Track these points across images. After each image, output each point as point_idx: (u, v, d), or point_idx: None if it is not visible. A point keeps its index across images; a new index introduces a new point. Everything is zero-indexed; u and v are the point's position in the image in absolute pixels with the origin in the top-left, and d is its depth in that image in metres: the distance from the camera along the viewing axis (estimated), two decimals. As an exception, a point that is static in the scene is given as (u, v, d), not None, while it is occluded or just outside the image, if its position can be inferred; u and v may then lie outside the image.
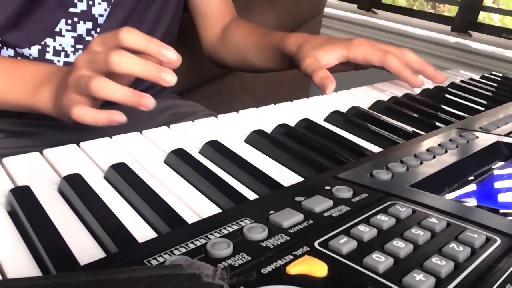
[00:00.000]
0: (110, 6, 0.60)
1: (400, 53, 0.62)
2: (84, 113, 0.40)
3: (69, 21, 0.59)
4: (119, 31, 0.41)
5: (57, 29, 0.58)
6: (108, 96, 0.40)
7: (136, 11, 0.64)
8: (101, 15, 0.60)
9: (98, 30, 0.61)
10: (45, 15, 0.58)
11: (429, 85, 0.66)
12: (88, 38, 0.61)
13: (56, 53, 0.59)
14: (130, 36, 0.41)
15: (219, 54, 0.79)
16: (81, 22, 0.59)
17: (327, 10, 1.47)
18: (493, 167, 0.40)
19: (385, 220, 0.27)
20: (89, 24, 0.60)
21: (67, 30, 0.59)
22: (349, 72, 0.69)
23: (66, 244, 0.26)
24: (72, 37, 0.59)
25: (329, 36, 0.67)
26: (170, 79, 0.41)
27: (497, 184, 0.37)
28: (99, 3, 0.59)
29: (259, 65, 0.75)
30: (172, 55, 0.42)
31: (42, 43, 0.58)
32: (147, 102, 0.40)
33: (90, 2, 0.59)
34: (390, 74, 0.65)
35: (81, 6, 0.58)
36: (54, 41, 0.59)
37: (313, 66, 0.58)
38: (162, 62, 0.41)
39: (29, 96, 0.47)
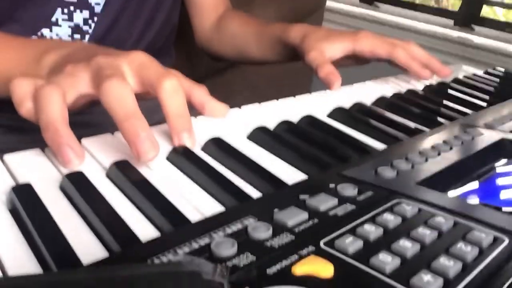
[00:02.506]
0: None
1: (407, 46, 0.62)
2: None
3: (66, 10, 0.58)
4: (163, 79, 0.36)
5: (53, 19, 0.58)
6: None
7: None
8: (97, 4, 0.59)
9: (95, 19, 0.60)
10: (41, 5, 0.57)
11: (432, 80, 0.65)
12: (85, 27, 0.60)
13: None
14: (171, 98, 0.36)
15: (214, 45, 0.78)
16: (78, 11, 0.59)
17: (328, 3, 1.46)
18: (498, 164, 0.39)
19: (391, 219, 0.27)
20: (86, 13, 0.59)
21: (63, 20, 0.58)
22: (351, 67, 0.68)
23: (68, 242, 0.26)
24: (69, 26, 0.59)
25: (333, 28, 0.66)
26: (146, 155, 0.33)
27: (501, 182, 0.37)
28: None
29: (258, 56, 0.73)
30: (191, 142, 0.37)
31: (39, 33, 0.57)
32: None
33: None
34: (391, 70, 0.65)
35: None
36: (51, 31, 0.58)
37: (318, 60, 0.57)
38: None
39: (32, 64, 0.42)
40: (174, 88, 0.36)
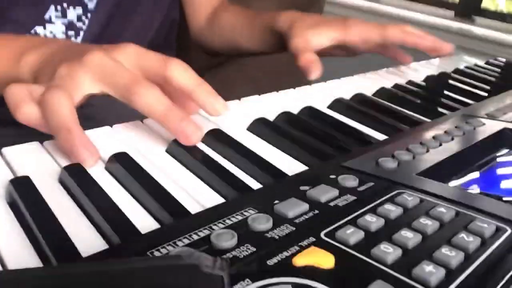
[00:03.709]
0: None
1: (400, 26, 0.59)
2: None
3: (59, 8, 0.57)
4: (170, 61, 0.36)
5: (46, 17, 0.57)
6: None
7: None
8: (90, 0, 0.59)
9: (89, 15, 0.59)
10: (34, 2, 0.56)
11: (433, 71, 0.65)
12: (79, 24, 0.59)
13: None
14: (182, 74, 0.36)
15: (207, 39, 0.76)
16: (71, 8, 0.58)
17: (329, -5, 1.45)
18: (499, 154, 0.39)
19: (392, 210, 0.26)
20: (79, 10, 0.59)
21: (57, 17, 0.57)
22: (350, 58, 0.67)
23: (67, 235, 0.26)
24: (63, 23, 0.58)
25: (323, 17, 0.63)
26: (193, 138, 0.35)
27: (501, 171, 0.37)
28: None
29: (248, 47, 0.72)
30: (220, 107, 0.37)
31: (32, 31, 0.57)
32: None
33: None
34: (387, 62, 0.64)
35: None
36: (45, 28, 0.57)
37: (300, 48, 0.55)
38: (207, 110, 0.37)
39: (11, 62, 0.42)
40: (182, 65, 0.37)
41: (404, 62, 0.64)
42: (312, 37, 0.56)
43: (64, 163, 0.33)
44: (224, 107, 0.37)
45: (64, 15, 0.58)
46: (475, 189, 0.33)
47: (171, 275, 0.19)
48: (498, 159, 0.38)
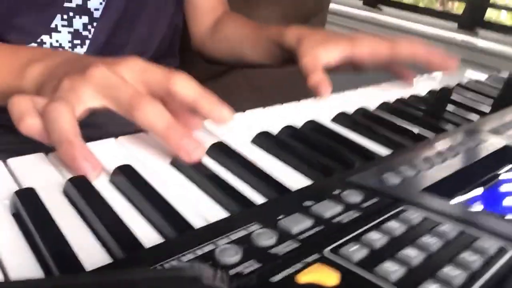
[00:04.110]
0: None
1: (409, 40, 0.58)
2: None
3: (65, 16, 0.58)
4: (173, 74, 0.37)
5: (52, 25, 0.57)
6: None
7: (134, 2, 0.63)
8: (96, 9, 0.59)
9: (95, 24, 0.60)
10: (40, 11, 0.57)
11: (436, 85, 0.65)
12: (85, 33, 0.60)
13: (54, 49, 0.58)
14: (185, 87, 0.36)
15: (209, 48, 0.76)
16: (77, 16, 0.58)
17: (332, 6, 1.46)
18: (502, 171, 0.39)
19: (396, 227, 0.26)
20: (85, 19, 0.59)
21: (63, 26, 0.58)
22: (351, 74, 0.66)
23: (71, 248, 0.26)
24: (69, 32, 0.58)
25: (333, 31, 0.63)
26: (194, 155, 0.35)
27: (505, 188, 0.37)
28: None
29: (253, 59, 0.71)
30: (225, 115, 0.37)
31: (38, 40, 0.57)
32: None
33: None
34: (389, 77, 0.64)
35: (76, 1, 0.57)
36: (51, 37, 0.58)
37: (309, 67, 0.54)
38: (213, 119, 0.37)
39: (15, 74, 0.42)
40: (185, 78, 0.37)
41: (409, 81, 0.63)
42: (321, 55, 0.55)
43: (69, 174, 0.33)
44: (229, 115, 0.37)
45: (70, 24, 0.58)
46: (478, 206, 0.33)
47: (172, 287, 0.19)
48: (502, 176, 0.38)
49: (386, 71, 0.62)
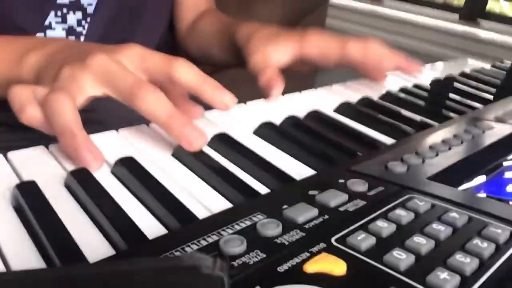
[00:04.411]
0: None
1: (362, 40, 0.53)
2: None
3: (59, 13, 0.57)
4: (175, 60, 0.36)
5: (46, 23, 0.56)
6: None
7: None
8: (90, 4, 0.58)
9: (89, 19, 0.59)
10: (34, 9, 0.56)
11: (439, 74, 0.65)
12: (79, 29, 0.59)
13: None
14: (187, 72, 0.36)
15: (186, 45, 0.74)
16: (71, 12, 0.57)
17: (332, -1, 1.45)
18: (508, 158, 0.39)
19: (403, 215, 0.26)
20: (79, 14, 0.58)
21: (57, 23, 0.57)
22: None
23: (73, 240, 0.25)
24: (63, 29, 0.58)
25: (283, 28, 0.56)
26: (196, 144, 0.35)
27: (509, 175, 0.36)
28: None
29: (220, 59, 0.68)
30: (228, 100, 0.37)
31: None
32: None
33: None
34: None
35: None
36: (45, 35, 0.57)
37: (260, 65, 0.50)
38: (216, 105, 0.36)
39: (12, 63, 0.41)
40: (187, 64, 0.36)
41: (379, 80, 0.57)
42: (271, 53, 0.51)
43: (70, 167, 0.33)
44: (232, 100, 0.37)
45: (64, 20, 0.57)
46: (486, 193, 0.33)
47: (171, 276, 0.19)
48: (507, 163, 0.38)
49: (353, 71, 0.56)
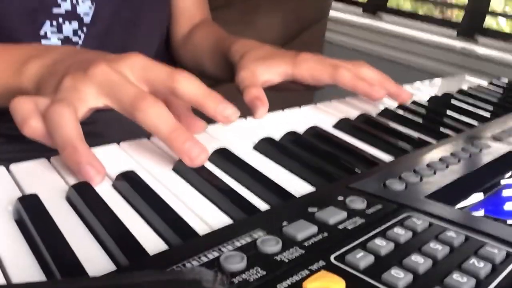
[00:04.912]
0: (94, 3, 0.58)
1: (353, 66, 0.54)
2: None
3: (54, 23, 0.56)
4: (177, 73, 0.36)
5: (42, 33, 0.56)
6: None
7: (127, 7, 0.61)
8: (86, 14, 0.58)
9: (85, 29, 0.59)
10: (28, 18, 0.55)
11: (437, 91, 0.65)
12: (75, 39, 0.59)
13: None
14: (190, 85, 0.36)
15: (180, 55, 0.74)
16: (67, 22, 0.57)
17: (332, 13, 1.47)
18: (506, 177, 0.39)
19: (401, 234, 0.26)
20: (75, 24, 0.58)
21: (52, 33, 0.57)
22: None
23: (74, 254, 0.26)
24: (59, 39, 0.57)
25: (281, 49, 0.57)
26: (198, 160, 0.34)
27: (506, 193, 0.37)
28: (83, 1, 0.57)
29: (211, 72, 0.68)
30: (230, 113, 0.36)
31: None
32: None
33: (74, 1, 0.57)
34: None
35: (65, 6, 0.56)
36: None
37: (246, 82, 0.50)
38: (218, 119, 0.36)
39: (12, 72, 0.41)
40: (190, 77, 0.36)
41: (374, 99, 0.56)
42: (260, 71, 0.52)
43: (72, 180, 0.33)
44: (235, 114, 0.37)
45: (59, 30, 0.57)
46: (483, 213, 0.33)
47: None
48: (504, 181, 0.38)
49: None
